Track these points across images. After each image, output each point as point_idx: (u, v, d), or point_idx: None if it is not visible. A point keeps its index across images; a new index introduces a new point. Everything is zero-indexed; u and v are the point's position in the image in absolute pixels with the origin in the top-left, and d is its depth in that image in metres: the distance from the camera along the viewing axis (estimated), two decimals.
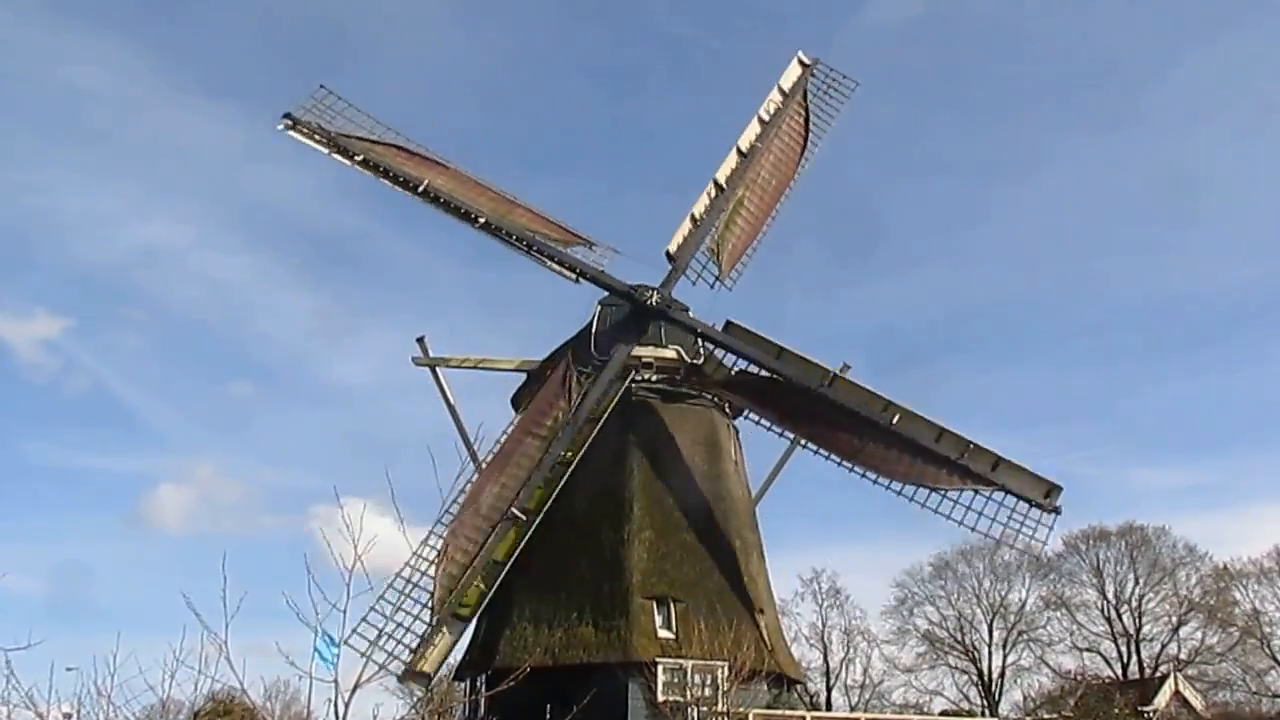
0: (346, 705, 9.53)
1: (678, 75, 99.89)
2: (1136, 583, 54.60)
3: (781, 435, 26.89)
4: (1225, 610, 53.32)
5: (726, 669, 23.52)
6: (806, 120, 29.84)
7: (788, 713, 26.19)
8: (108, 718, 10.85)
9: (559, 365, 26.08)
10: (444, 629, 21.57)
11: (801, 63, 30.31)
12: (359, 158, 26.47)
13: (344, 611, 9.43)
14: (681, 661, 24.09)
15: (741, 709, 23.64)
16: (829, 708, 50.69)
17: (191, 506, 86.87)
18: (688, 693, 23.71)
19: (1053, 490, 24.15)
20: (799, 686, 31.22)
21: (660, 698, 23.67)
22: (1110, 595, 54.93)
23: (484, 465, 24.52)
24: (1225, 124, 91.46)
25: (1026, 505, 24.07)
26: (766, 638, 26.11)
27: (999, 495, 24.15)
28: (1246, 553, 54.80)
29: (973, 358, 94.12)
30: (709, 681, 23.83)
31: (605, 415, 25.27)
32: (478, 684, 26.28)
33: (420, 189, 26.07)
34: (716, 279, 26.96)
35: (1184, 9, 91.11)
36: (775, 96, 29.56)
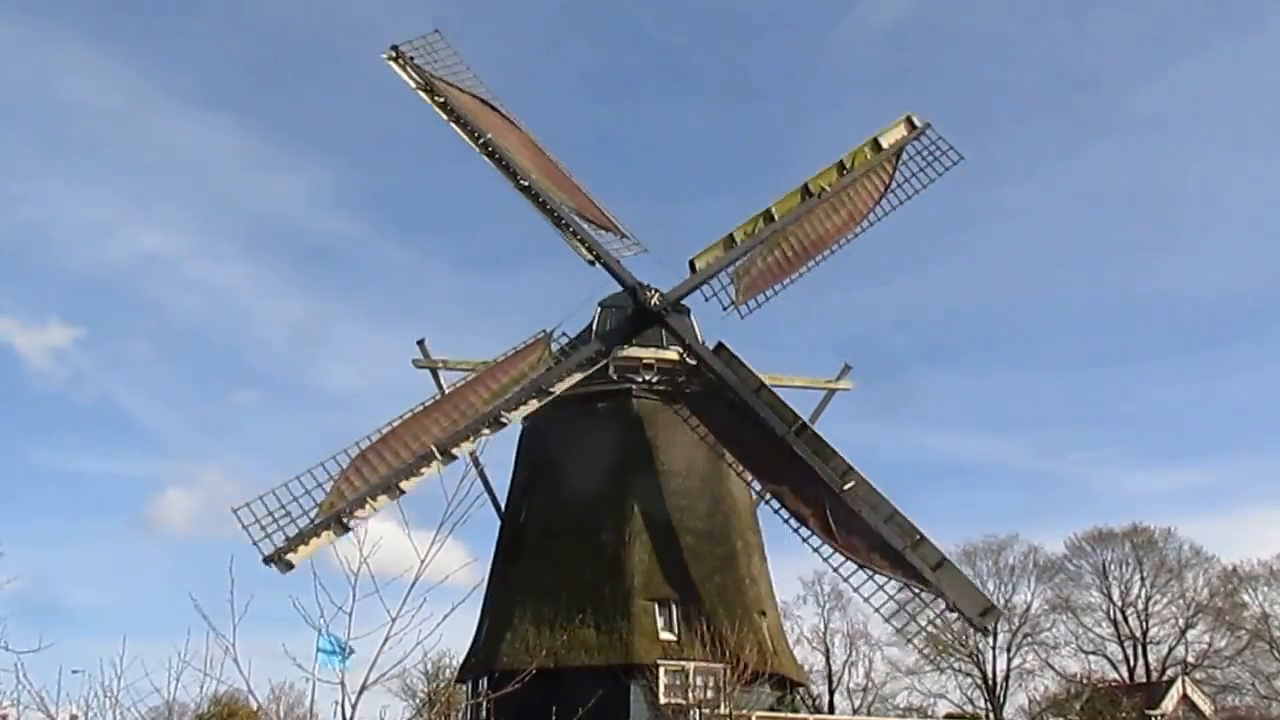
0: (354, 707, 9.54)
1: (666, 82, 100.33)
2: (1143, 585, 54.36)
3: (739, 473, 26.46)
4: (1234, 613, 53.00)
5: (728, 671, 23.47)
6: (889, 182, 28.19)
7: (790, 715, 26.14)
8: (114, 719, 10.93)
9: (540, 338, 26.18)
10: (325, 531, 22.04)
11: (911, 124, 28.71)
12: (440, 99, 27.62)
13: (350, 614, 9.46)
14: (683, 663, 24.05)
15: (743, 711, 23.57)
16: (831, 711, 50.57)
17: (197, 510, 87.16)
18: (690, 695, 23.68)
19: (989, 611, 23.62)
20: (801, 689, 31.16)
21: (662, 700, 23.66)
22: (1116, 598, 54.69)
23: (430, 401, 24.83)
24: (1214, 129, 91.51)
25: (954, 617, 23.45)
26: (768, 640, 26.06)
27: (926, 594, 23.27)
28: (1252, 556, 54.43)
29: (969, 360, 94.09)
30: (711, 684, 23.79)
31: (554, 392, 24.97)
32: (480, 686, 26.28)
33: (481, 140, 27.12)
34: (731, 303, 26.21)
35: (1170, 19, 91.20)
36: (866, 149, 28.10)
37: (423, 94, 27.75)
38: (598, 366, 25.86)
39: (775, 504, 25.12)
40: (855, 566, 23.88)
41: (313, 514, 22.25)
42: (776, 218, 26.99)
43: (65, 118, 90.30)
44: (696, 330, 28.05)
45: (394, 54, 27.89)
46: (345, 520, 22.21)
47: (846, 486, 24.02)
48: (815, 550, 24.44)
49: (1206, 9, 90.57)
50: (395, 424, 23.86)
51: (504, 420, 24.44)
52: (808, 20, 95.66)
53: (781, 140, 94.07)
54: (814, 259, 27.20)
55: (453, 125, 27.46)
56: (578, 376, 25.38)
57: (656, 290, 26.48)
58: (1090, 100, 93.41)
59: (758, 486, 25.99)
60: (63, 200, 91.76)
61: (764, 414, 25.12)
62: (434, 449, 23.23)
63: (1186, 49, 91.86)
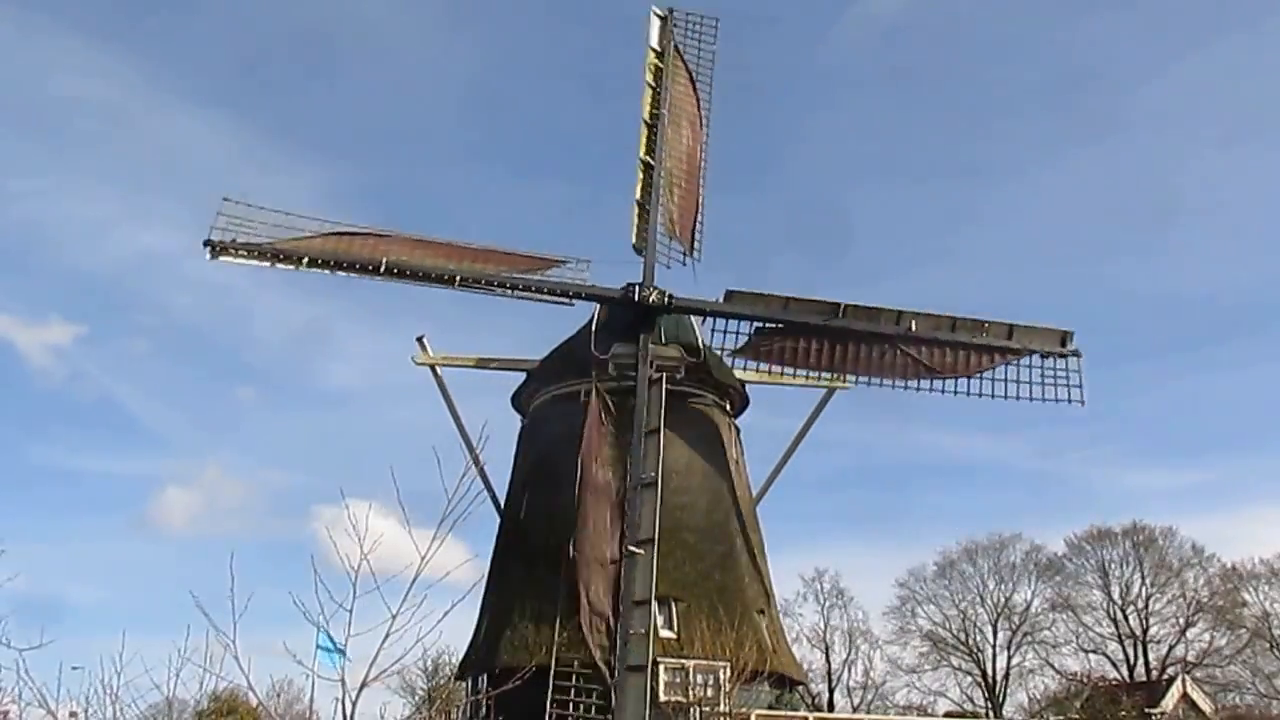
0: (354, 704, 9.54)
1: None
2: (1143, 583, 54.34)
3: (820, 379, 27.43)
4: (1234, 612, 52.99)
5: (728, 669, 23.45)
6: (691, 74, 29.70)
7: (790, 713, 26.12)
8: (114, 715, 10.96)
9: (589, 399, 25.82)
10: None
11: (657, 15, 30.01)
12: (305, 260, 25.18)
13: (350, 611, 9.48)
14: (683, 661, 24.02)
15: (743, 709, 23.57)
16: (831, 709, 50.56)
17: (197, 508, 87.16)
18: (689, 693, 23.65)
19: (1066, 336, 26.03)
20: (801, 687, 31.14)
21: (662, 698, 23.58)
22: (1116, 596, 54.66)
23: (577, 527, 24.48)
24: (1212, 128, 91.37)
25: (1052, 360, 25.84)
26: (768, 638, 26.04)
27: (1024, 360, 25.85)
28: (1253, 554, 54.38)
29: None
30: (710, 682, 23.76)
31: (662, 422, 25.24)
32: (479, 683, 26.25)
33: (382, 269, 25.09)
34: (684, 254, 27.55)
35: (1169, 17, 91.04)
36: (650, 58, 29.28)
37: (282, 265, 25.12)
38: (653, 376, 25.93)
39: (876, 381, 26.15)
40: (965, 380, 25.86)
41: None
42: (650, 158, 27.93)
43: (62, 114, 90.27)
44: (693, 325, 28.06)
45: (216, 249, 24.75)
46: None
47: (911, 328, 25.81)
48: (929, 391, 25.97)
49: (1207, 7, 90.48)
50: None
51: (650, 478, 24.31)
52: (807, 17, 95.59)
53: (781, 136, 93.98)
54: (700, 175, 28.94)
55: (339, 273, 25.48)
56: (658, 388, 25.55)
57: (653, 288, 26.55)
58: (1088, 98, 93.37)
59: (853, 378, 26.69)
60: (60, 197, 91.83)
61: (805, 319, 26.42)
62: (632, 550, 23.33)
63: (1187, 47, 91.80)
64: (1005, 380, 25.90)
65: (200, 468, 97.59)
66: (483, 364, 28.45)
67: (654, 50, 29.40)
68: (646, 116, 28.42)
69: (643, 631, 22.44)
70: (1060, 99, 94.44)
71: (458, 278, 25.67)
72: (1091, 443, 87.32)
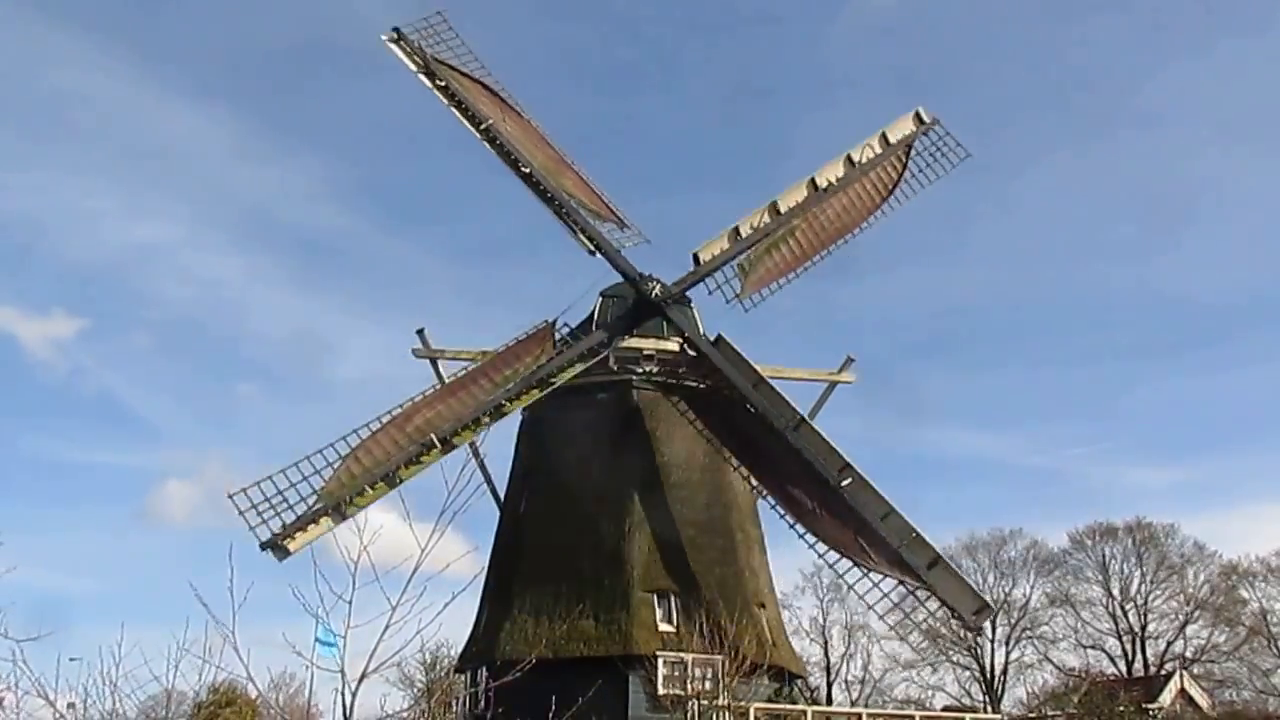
0: (354, 695, 9.53)
1: (663, 77, 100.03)
2: (1143, 580, 54.35)
3: (735, 468, 26.65)
4: (1232, 609, 53.04)
5: (727, 663, 23.51)
6: (899, 177, 28.13)
7: (789, 707, 26.18)
8: (113, 707, 10.95)
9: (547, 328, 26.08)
10: (324, 518, 22.06)
11: (919, 118, 28.73)
12: (441, 83, 26.98)
13: (349, 603, 9.46)
14: (682, 655, 24.11)
15: (742, 703, 23.63)
16: (829, 703, 50.67)
17: (197, 501, 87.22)
18: (688, 686, 23.74)
19: (982, 610, 24.55)
20: (800, 681, 31.21)
21: (661, 691, 23.71)
22: (1115, 592, 54.71)
23: (431, 390, 24.96)
24: (1215, 127, 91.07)
25: (948, 613, 24.17)
26: (767, 632, 26.12)
27: (923, 594, 23.79)
28: (1251, 551, 54.41)
29: (967, 356, 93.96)
30: (709, 675, 23.84)
31: (555, 383, 24.90)
32: (479, 676, 26.32)
33: (483, 126, 26.63)
34: (736, 296, 26.09)
35: (1168, 19, 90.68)
36: (874, 143, 28.05)
37: (423, 77, 26.99)
38: (599, 357, 25.82)
39: (771, 500, 25.23)
40: (851, 563, 24.26)
41: (311, 501, 22.30)
42: (783, 211, 26.88)
43: (58, 108, 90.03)
44: (698, 321, 27.97)
45: (395, 36, 27.10)
46: (343, 508, 22.26)
47: (844, 484, 24.24)
48: (811, 546, 24.86)
49: (1207, 9, 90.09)
50: (396, 412, 23.92)
51: (504, 410, 24.42)
52: (805, 15, 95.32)
53: (780, 135, 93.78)
54: (820, 253, 27.14)
55: (453, 110, 26.85)
56: (580, 367, 25.29)
57: (658, 281, 26.44)
58: (1091, 97, 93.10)
59: (754, 482, 26.03)
60: (60, 191, 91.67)
61: (762, 408, 25.10)
62: (434, 437, 23.20)
63: (1186, 48, 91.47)
64: (888, 597, 23.87)
65: (201, 460, 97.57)
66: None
67: (885, 139, 28.08)
68: (820, 181, 27.17)
69: (373, 493, 22.38)
70: (1062, 97, 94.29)
71: (526, 169, 26.28)
72: (1093, 440, 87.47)
